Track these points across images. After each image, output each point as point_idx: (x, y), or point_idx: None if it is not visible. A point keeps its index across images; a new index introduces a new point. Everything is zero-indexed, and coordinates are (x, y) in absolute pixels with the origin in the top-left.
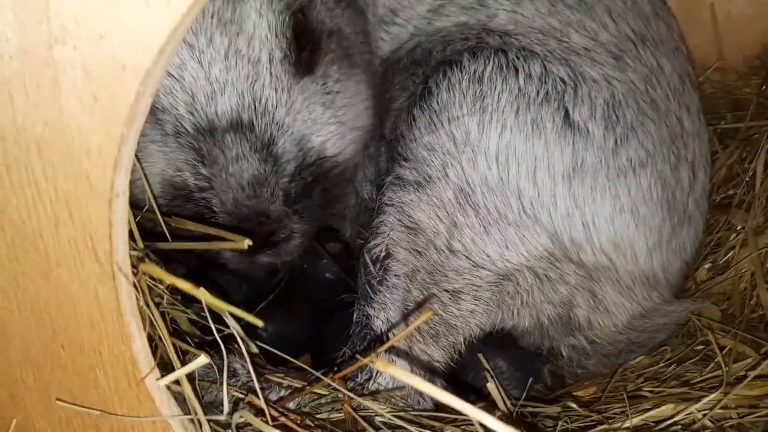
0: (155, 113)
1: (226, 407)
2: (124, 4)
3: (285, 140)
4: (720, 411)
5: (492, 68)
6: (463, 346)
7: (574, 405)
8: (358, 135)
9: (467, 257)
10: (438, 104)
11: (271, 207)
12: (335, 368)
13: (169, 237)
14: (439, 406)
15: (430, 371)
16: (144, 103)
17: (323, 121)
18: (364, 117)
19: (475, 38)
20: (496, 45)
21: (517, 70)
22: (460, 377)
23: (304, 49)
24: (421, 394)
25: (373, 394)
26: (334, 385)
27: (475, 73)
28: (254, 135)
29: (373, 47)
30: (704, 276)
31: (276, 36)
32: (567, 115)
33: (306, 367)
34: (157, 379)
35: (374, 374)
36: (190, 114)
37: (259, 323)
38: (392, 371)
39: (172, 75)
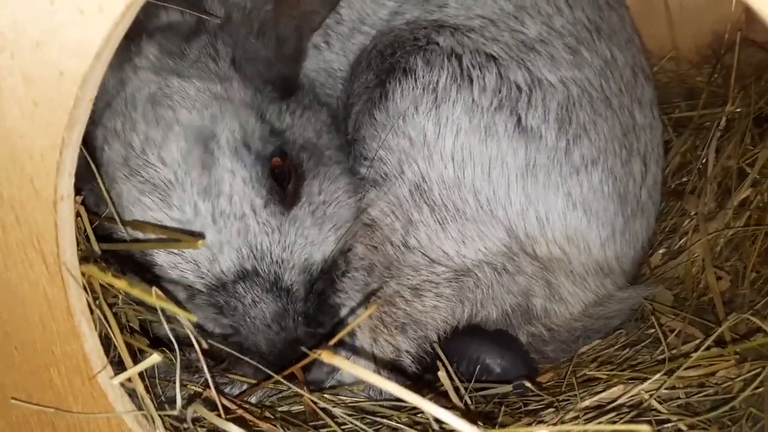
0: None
1: (179, 402)
2: (60, 12)
3: (289, 273)
4: (667, 391)
5: (446, 78)
6: (434, 340)
7: (528, 384)
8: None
9: (423, 254)
10: (394, 109)
11: (299, 333)
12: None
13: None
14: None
15: (396, 364)
16: (83, 108)
17: (320, 240)
18: (352, 203)
19: (424, 39)
20: (448, 47)
21: (471, 81)
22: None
23: (287, 183)
24: None
25: (335, 388)
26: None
27: (429, 84)
28: (261, 278)
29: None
30: (658, 261)
31: (253, 187)
32: (519, 121)
33: (258, 365)
34: (111, 378)
35: (336, 369)
36: (199, 278)
37: (194, 318)
38: (336, 361)
39: (173, 251)
